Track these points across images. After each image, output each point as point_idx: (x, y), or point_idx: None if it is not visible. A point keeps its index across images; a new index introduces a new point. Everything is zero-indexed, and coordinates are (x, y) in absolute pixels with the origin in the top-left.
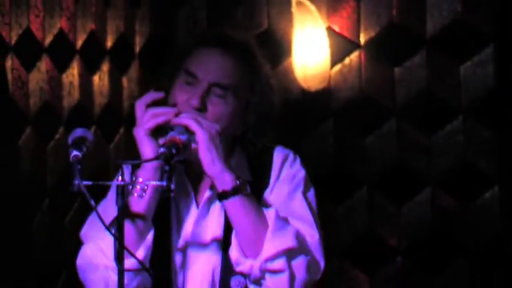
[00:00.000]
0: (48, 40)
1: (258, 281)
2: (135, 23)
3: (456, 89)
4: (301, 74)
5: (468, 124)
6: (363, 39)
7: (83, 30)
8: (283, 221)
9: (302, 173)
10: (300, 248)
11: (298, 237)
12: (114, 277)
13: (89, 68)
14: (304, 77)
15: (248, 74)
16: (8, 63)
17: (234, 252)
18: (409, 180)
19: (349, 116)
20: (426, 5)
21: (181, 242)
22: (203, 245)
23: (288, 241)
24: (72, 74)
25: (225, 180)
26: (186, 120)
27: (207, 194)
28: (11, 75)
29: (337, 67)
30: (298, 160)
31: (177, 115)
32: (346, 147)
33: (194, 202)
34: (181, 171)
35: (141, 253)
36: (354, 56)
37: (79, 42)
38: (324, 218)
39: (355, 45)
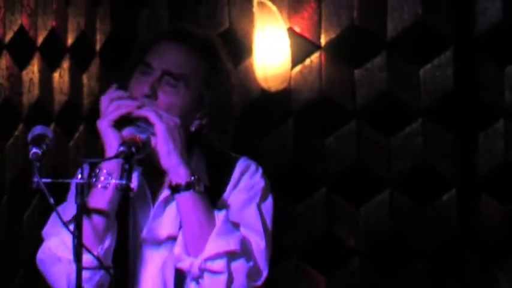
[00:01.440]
0: (8, 36)
1: (196, 280)
2: (96, 20)
3: (416, 92)
4: (262, 74)
5: (427, 126)
6: (323, 41)
7: (43, 27)
8: (231, 225)
9: (261, 184)
10: (242, 252)
11: (243, 242)
12: (73, 271)
13: (49, 65)
14: (264, 77)
15: (204, 68)
16: None
17: (177, 248)
18: (367, 181)
19: (309, 117)
20: (387, 7)
21: (136, 240)
22: (158, 243)
23: (231, 244)
24: (32, 70)
25: (180, 173)
26: (146, 112)
27: (163, 194)
28: None
29: (298, 68)
30: (260, 171)
31: (139, 108)
32: (305, 148)
33: (150, 202)
34: (139, 172)
35: (101, 251)
36: (315, 57)
37: (40, 39)
38: (282, 218)
39: (316, 47)
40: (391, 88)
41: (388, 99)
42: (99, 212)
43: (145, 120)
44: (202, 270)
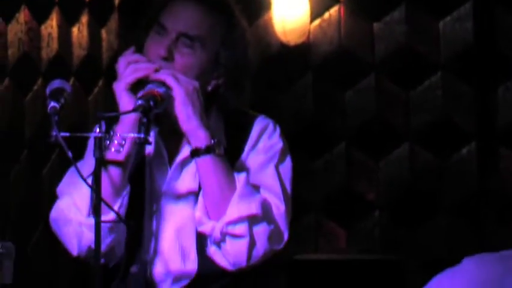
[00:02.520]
0: None
1: (218, 244)
2: None
3: (435, 45)
4: (281, 28)
5: (446, 80)
6: None
7: None
8: (251, 188)
9: (279, 145)
10: (264, 216)
11: (264, 205)
12: (87, 233)
13: (68, 20)
14: (283, 31)
15: (220, 27)
16: None
17: (198, 212)
18: (387, 135)
19: (328, 70)
20: None
21: (153, 198)
22: (177, 198)
23: (252, 207)
24: (51, 25)
25: (200, 137)
26: (164, 75)
27: (181, 155)
28: None
29: (317, 22)
30: (277, 131)
31: (157, 70)
32: (324, 102)
33: (167, 163)
34: (156, 133)
35: (117, 207)
36: (334, 10)
37: None
38: (301, 172)
39: (335, 0)
40: (410, 41)
41: (407, 53)
42: (116, 163)
43: (163, 84)
44: (223, 234)
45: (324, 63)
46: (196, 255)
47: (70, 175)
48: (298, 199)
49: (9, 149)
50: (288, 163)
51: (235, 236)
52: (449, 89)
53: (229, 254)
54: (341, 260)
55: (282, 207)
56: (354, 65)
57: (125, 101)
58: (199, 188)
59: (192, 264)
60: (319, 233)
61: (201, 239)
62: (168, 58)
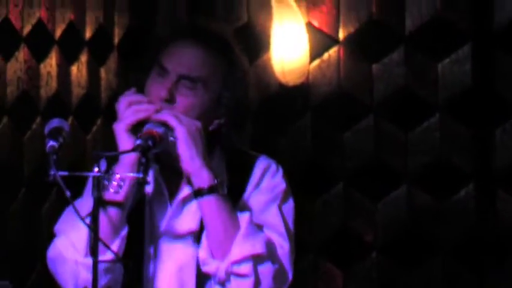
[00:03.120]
0: (26, 29)
1: (222, 283)
2: (114, 14)
3: (434, 86)
4: (280, 69)
5: (445, 121)
6: (342, 35)
7: (61, 21)
8: (255, 227)
9: (282, 186)
10: (268, 255)
11: (269, 245)
12: (83, 273)
13: (67, 59)
14: (282, 72)
15: (221, 67)
16: None
17: (202, 252)
18: (385, 176)
19: (327, 111)
20: (405, 2)
21: (153, 237)
22: (176, 238)
23: (257, 247)
24: (50, 64)
25: (203, 177)
26: (166, 116)
27: (182, 194)
28: None
29: (316, 62)
30: (280, 172)
31: (158, 112)
32: (323, 143)
33: (168, 201)
34: (156, 171)
35: (115, 247)
36: (333, 51)
37: (58, 33)
38: (299, 213)
39: (334, 41)
40: (409, 83)
41: (406, 94)
42: (115, 204)
43: (163, 124)
44: (228, 274)
45: (322, 104)
46: None
47: (68, 214)
48: (296, 239)
49: (7, 187)
50: (290, 204)
51: (240, 276)
52: (447, 130)
53: None
54: None
55: (286, 246)
56: (353, 106)
57: (125, 141)
58: (200, 228)
59: None
60: (316, 274)
61: (201, 280)
62: (170, 100)
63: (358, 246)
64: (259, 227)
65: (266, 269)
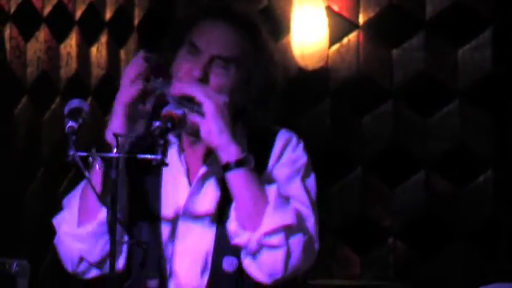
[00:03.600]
0: (47, 10)
1: (253, 255)
2: None
3: (453, 72)
4: (300, 53)
5: (464, 107)
6: (361, 20)
7: (82, 2)
8: (284, 199)
9: (304, 159)
10: (298, 226)
11: (298, 216)
12: (76, 243)
13: (87, 39)
14: (302, 56)
15: (251, 47)
16: (7, 32)
17: (232, 224)
18: (403, 161)
19: (346, 96)
20: None
21: (171, 215)
22: (195, 219)
23: (287, 218)
24: (70, 44)
25: (231, 151)
26: (193, 91)
27: (201, 170)
28: (9, 44)
29: (335, 47)
30: (301, 145)
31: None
32: (342, 127)
33: (186, 178)
34: (176, 145)
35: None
36: (353, 36)
37: (78, 13)
38: (317, 197)
39: (354, 26)
40: (428, 68)
41: (426, 80)
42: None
43: (186, 105)
44: (260, 245)
45: (342, 89)
46: (209, 277)
47: (74, 190)
48: None
49: (26, 167)
50: (312, 178)
51: (272, 247)
52: (467, 116)
53: (266, 265)
54: (355, 286)
55: (312, 217)
56: (372, 91)
57: (118, 118)
58: (217, 210)
59: (206, 286)
60: (333, 259)
61: (218, 262)
62: (204, 79)
63: (375, 231)
64: (287, 199)
65: (297, 240)
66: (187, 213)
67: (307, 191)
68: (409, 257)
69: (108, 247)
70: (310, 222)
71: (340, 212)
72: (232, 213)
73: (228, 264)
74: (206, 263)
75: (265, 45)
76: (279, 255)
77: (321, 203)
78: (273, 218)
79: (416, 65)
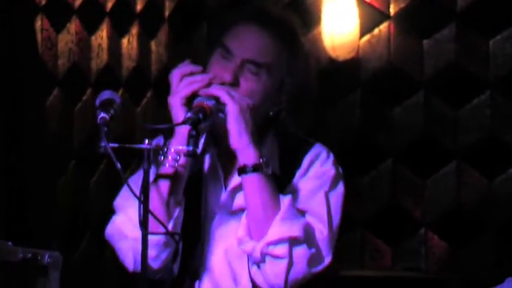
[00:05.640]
0: (78, 2)
1: (257, 264)
2: None
3: (484, 63)
4: (330, 43)
5: (495, 98)
6: (392, 10)
7: None
8: (295, 211)
9: (332, 172)
10: (305, 239)
11: (306, 229)
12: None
13: (118, 31)
14: (332, 46)
15: (285, 53)
16: (38, 24)
17: (240, 231)
18: (435, 153)
19: (376, 86)
20: None
21: (207, 217)
22: (230, 219)
23: (294, 230)
24: (101, 36)
25: (249, 155)
26: (218, 91)
27: (235, 179)
28: (40, 36)
29: (366, 37)
30: (331, 158)
31: (210, 84)
32: (372, 118)
33: (223, 185)
34: (214, 155)
35: (171, 223)
36: (383, 26)
37: (109, 5)
38: (348, 188)
39: (385, 16)
40: (459, 59)
41: (457, 71)
42: (166, 176)
43: (214, 97)
44: (263, 255)
45: (372, 79)
46: (249, 281)
47: (126, 189)
48: (343, 215)
49: (57, 159)
50: (339, 190)
51: (275, 257)
52: (498, 107)
53: (268, 275)
54: (386, 277)
55: (325, 231)
56: (403, 82)
57: (180, 114)
58: None
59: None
60: (364, 250)
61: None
62: (234, 84)
63: (406, 222)
64: (301, 213)
65: (301, 252)
66: (222, 214)
67: (328, 205)
68: (441, 248)
69: (173, 253)
70: (322, 236)
71: (371, 203)
72: (243, 219)
73: None
74: (242, 265)
75: (299, 51)
76: (281, 266)
77: (352, 195)
78: (280, 228)
79: (447, 56)
